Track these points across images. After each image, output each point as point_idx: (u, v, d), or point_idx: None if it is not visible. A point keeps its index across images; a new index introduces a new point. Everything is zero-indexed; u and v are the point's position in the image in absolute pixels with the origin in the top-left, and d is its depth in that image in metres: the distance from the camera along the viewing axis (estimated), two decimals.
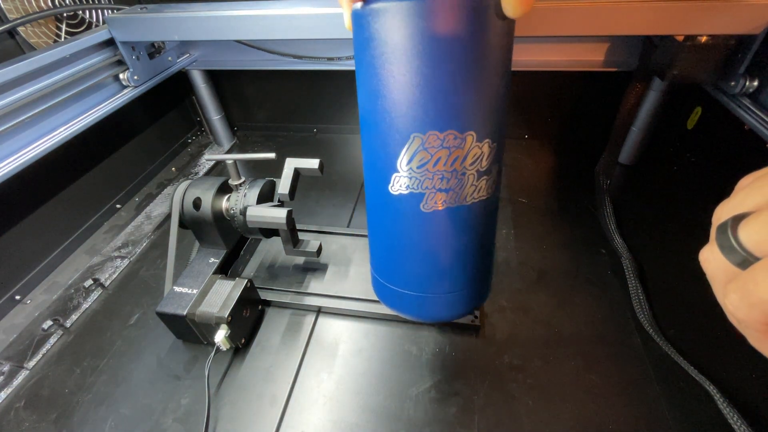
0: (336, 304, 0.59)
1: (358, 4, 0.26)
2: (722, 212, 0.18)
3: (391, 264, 0.34)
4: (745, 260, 0.16)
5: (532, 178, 0.84)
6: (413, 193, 0.29)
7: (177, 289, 0.53)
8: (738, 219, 0.16)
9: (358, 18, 0.26)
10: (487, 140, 0.28)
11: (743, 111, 0.54)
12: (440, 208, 0.29)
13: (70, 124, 0.64)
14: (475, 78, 0.26)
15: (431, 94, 0.26)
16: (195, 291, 0.52)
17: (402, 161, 0.28)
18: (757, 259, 0.15)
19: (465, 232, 0.31)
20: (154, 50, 0.78)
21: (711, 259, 0.17)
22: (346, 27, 0.29)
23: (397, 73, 0.26)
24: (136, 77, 0.73)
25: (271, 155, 0.54)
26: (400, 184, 0.29)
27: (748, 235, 0.16)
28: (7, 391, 0.53)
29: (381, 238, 0.34)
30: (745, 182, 0.19)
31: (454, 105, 0.26)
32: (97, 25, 0.75)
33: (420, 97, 0.26)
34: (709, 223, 0.19)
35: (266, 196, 0.56)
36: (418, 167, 0.28)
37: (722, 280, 0.17)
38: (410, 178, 0.28)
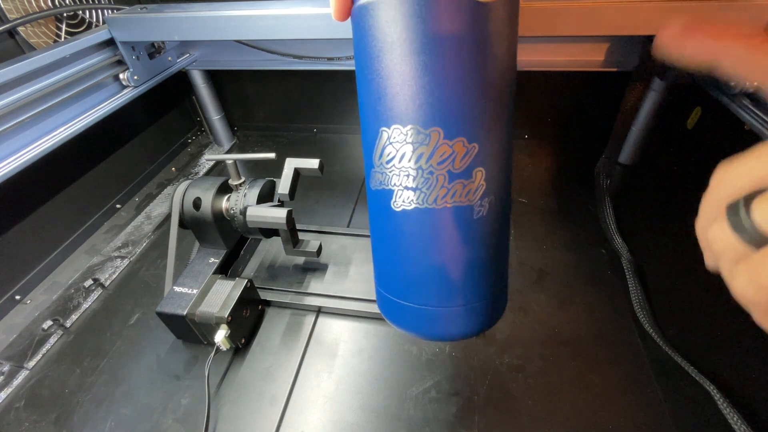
0: (336, 304, 0.59)
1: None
2: (725, 187, 0.18)
3: (384, 268, 0.32)
4: (758, 241, 0.15)
5: (532, 178, 0.84)
6: (384, 190, 0.28)
7: (177, 289, 0.53)
8: (750, 198, 0.16)
9: (351, 21, 0.26)
10: (460, 138, 0.25)
11: (743, 111, 0.54)
12: (408, 208, 0.27)
13: (70, 124, 0.64)
14: (435, 70, 0.24)
15: (391, 86, 0.25)
16: (195, 291, 0.52)
17: (375, 156, 0.27)
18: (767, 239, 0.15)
19: (439, 238, 0.28)
20: (154, 50, 0.78)
21: (721, 238, 0.17)
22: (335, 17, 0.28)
23: (364, 66, 0.25)
24: (136, 77, 0.73)
25: (271, 155, 0.54)
26: (375, 180, 0.28)
27: (763, 216, 0.15)
28: (7, 391, 0.53)
29: (374, 240, 0.33)
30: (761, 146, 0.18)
31: (414, 97, 0.25)
32: (97, 25, 0.75)
33: (382, 88, 0.25)
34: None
35: (266, 196, 0.56)
36: (386, 162, 0.27)
37: (732, 259, 0.16)
38: (381, 174, 0.27)
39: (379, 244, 0.31)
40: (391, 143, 0.26)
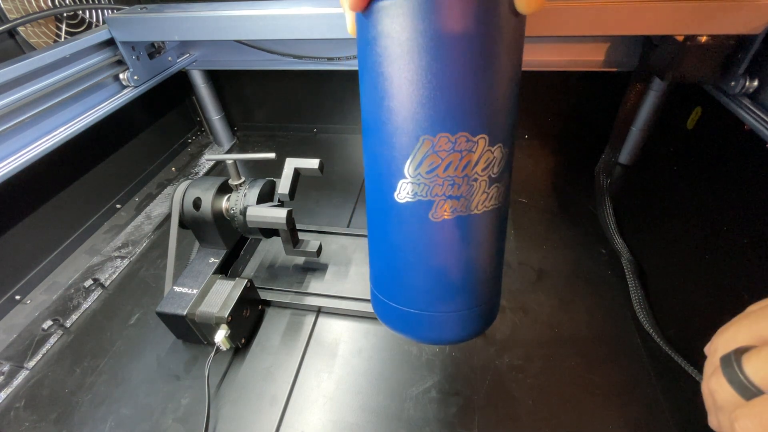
0: (336, 304, 0.59)
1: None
2: (721, 341, 0.21)
3: (395, 280, 0.32)
4: (752, 392, 0.17)
5: (532, 178, 0.84)
6: (421, 201, 0.27)
7: (177, 289, 0.53)
8: (740, 352, 0.18)
9: (362, 17, 0.25)
10: (499, 145, 0.26)
11: (743, 111, 0.54)
12: (449, 218, 0.27)
13: (70, 124, 0.63)
14: (487, 77, 0.25)
15: (442, 94, 0.24)
16: (195, 291, 0.52)
17: (409, 167, 0.26)
18: (762, 391, 0.17)
19: (475, 244, 0.29)
20: (154, 50, 0.78)
21: (720, 390, 0.19)
22: (348, 31, 0.28)
23: (406, 71, 0.25)
24: (136, 77, 0.73)
25: (271, 155, 0.54)
26: (407, 191, 0.27)
27: (753, 369, 0.17)
28: (7, 391, 0.53)
29: (384, 251, 0.32)
30: (752, 309, 0.21)
31: (465, 105, 0.25)
32: (97, 25, 0.75)
33: (430, 96, 0.25)
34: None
35: (266, 196, 0.56)
36: (427, 172, 0.26)
37: (730, 408, 0.18)
38: (418, 185, 0.27)
39: (398, 255, 0.30)
40: (435, 152, 0.25)
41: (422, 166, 0.26)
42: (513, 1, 0.24)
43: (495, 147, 0.26)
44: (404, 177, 0.27)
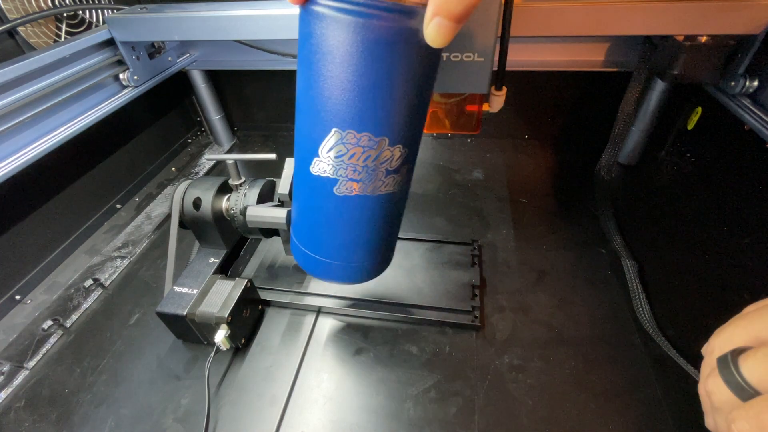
0: (336, 304, 0.59)
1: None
2: (718, 341, 0.21)
3: (304, 229, 0.39)
4: (749, 393, 0.17)
5: (532, 178, 0.84)
6: (329, 178, 0.32)
7: (177, 289, 0.53)
8: (737, 353, 0.18)
9: (302, 11, 0.28)
10: (398, 145, 0.31)
11: (743, 111, 0.54)
12: (351, 194, 0.33)
13: (70, 124, 0.64)
14: (395, 93, 0.29)
15: (353, 99, 0.28)
16: (195, 291, 0.52)
17: (323, 149, 0.31)
18: (758, 393, 0.17)
19: (368, 217, 0.35)
20: (154, 50, 0.78)
21: (716, 391, 0.19)
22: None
23: (327, 73, 0.28)
24: (136, 77, 0.73)
25: (272, 156, 0.55)
26: (318, 167, 0.32)
27: (750, 371, 0.17)
28: (7, 391, 0.53)
29: (302, 209, 0.38)
30: (749, 309, 0.21)
31: (372, 112, 0.29)
32: (97, 25, 0.75)
33: (343, 98, 0.29)
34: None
35: (266, 196, 0.56)
36: (335, 157, 0.31)
37: (727, 409, 0.19)
38: (327, 164, 0.32)
39: (311, 215, 0.37)
40: (343, 143, 0.30)
41: (331, 151, 0.31)
42: (422, 34, 0.25)
43: (395, 147, 0.31)
44: (317, 156, 0.32)
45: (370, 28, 0.26)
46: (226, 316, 0.49)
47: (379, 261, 0.41)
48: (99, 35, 0.67)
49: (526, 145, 0.94)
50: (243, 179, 0.57)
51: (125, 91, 0.73)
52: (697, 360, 0.48)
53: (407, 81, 0.29)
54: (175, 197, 0.55)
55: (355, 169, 0.31)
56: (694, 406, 0.46)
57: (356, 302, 0.59)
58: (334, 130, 0.30)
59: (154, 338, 0.58)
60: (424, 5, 0.24)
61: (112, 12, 0.72)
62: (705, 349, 0.22)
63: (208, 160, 0.99)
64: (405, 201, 0.38)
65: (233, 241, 0.60)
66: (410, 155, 0.33)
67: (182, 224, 0.57)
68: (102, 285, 0.67)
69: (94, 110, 0.67)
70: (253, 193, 0.54)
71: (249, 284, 0.54)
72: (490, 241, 0.69)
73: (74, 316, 0.62)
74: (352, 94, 0.28)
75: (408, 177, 0.35)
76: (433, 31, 0.24)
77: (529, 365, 0.52)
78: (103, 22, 0.71)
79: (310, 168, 0.33)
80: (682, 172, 0.70)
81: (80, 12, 0.72)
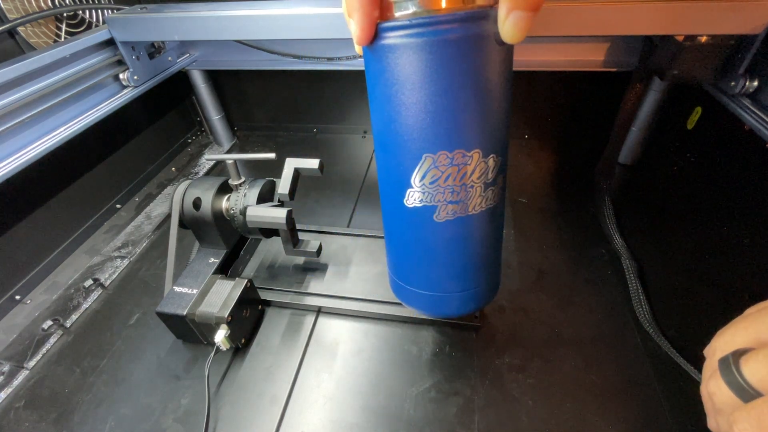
0: (336, 304, 0.59)
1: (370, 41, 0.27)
2: (719, 343, 0.21)
3: (408, 267, 0.38)
4: (750, 395, 0.17)
5: (532, 178, 0.84)
6: (426, 206, 0.31)
7: (177, 289, 0.53)
8: (738, 354, 0.18)
9: (369, 50, 0.28)
10: (492, 155, 0.30)
11: (743, 111, 0.54)
12: (451, 218, 0.32)
13: (70, 124, 0.64)
14: (479, 102, 0.28)
15: (440, 119, 0.28)
16: (195, 291, 0.52)
17: (415, 178, 0.30)
18: (760, 394, 0.17)
19: (474, 238, 0.34)
20: (154, 50, 0.78)
21: (718, 393, 0.19)
22: (355, 43, 0.29)
23: (409, 100, 0.28)
24: (136, 77, 0.73)
25: (271, 155, 0.55)
26: (414, 198, 0.32)
27: (751, 372, 0.17)
28: (7, 391, 0.53)
29: (397, 245, 0.37)
30: (750, 311, 0.21)
31: (461, 127, 0.28)
32: (97, 25, 0.75)
33: (431, 121, 0.28)
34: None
35: (266, 196, 0.56)
36: (430, 183, 0.30)
37: (729, 411, 0.19)
38: (423, 193, 0.31)
39: (415, 250, 0.36)
40: (436, 167, 0.29)
41: (426, 178, 0.30)
42: (499, 34, 0.25)
43: (488, 158, 0.30)
44: (411, 187, 0.31)
45: (445, 44, 0.25)
46: (226, 316, 0.49)
47: (495, 281, 0.40)
48: (99, 35, 0.67)
49: (525, 145, 0.94)
50: (243, 179, 0.57)
51: (125, 91, 0.73)
52: (697, 360, 0.48)
53: (489, 87, 0.28)
54: (175, 197, 0.55)
55: (453, 191, 0.30)
56: (694, 406, 0.46)
57: (356, 302, 0.59)
58: (425, 156, 0.29)
59: (154, 338, 0.58)
60: (492, 6, 0.24)
61: (112, 12, 0.72)
62: (706, 351, 0.22)
63: (208, 160, 0.99)
64: (504, 212, 0.37)
65: (233, 241, 0.60)
66: (503, 163, 0.32)
67: (182, 224, 0.57)
68: (102, 285, 0.67)
69: (94, 110, 0.67)
70: (253, 193, 0.54)
71: (249, 284, 0.54)
72: None
73: (74, 316, 0.62)
74: (438, 115, 0.28)
75: (504, 186, 0.34)
76: (511, 26, 0.23)
77: (529, 365, 0.52)
78: (103, 22, 0.71)
79: (404, 201, 0.32)
80: (682, 172, 0.70)
81: (80, 12, 0.72)
